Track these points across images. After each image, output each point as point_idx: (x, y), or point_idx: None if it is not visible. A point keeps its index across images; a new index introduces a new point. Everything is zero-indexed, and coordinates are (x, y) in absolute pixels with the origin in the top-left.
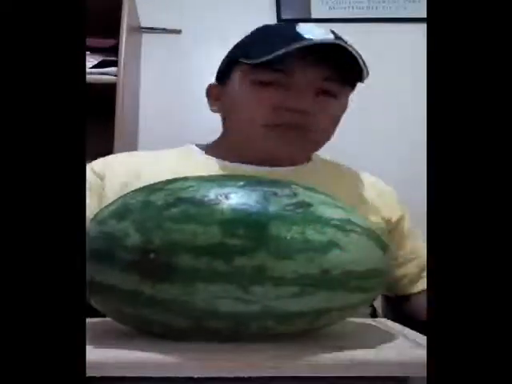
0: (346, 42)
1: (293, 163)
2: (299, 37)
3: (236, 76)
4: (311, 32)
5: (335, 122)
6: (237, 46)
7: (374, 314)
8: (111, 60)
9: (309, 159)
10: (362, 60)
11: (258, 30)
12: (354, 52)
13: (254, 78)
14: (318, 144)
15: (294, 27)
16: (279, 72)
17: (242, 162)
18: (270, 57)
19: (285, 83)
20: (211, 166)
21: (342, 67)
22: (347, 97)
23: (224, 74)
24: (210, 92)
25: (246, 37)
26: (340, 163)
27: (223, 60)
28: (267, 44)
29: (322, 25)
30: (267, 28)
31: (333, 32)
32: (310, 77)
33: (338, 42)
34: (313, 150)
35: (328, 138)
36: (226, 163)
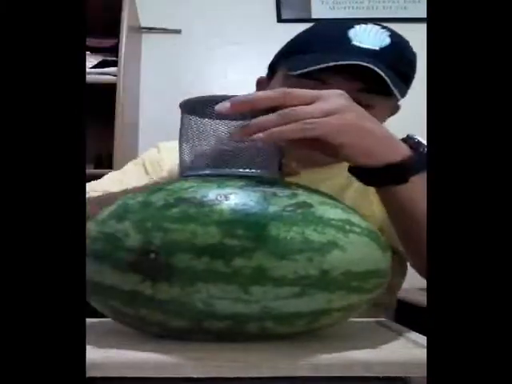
0: (397, 49)
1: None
2: (345, 43)
3: (279, 76)
4: (362, 38)
5: None
6: (289, 44)
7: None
8: (111, 60)
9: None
10: (394, 77)
11: (310, 29)
12: (382, 73)
13: (292, 85)
14: None
15: (347, 30)
16: (317, 81)
17: None
18: (304, 70)
19: None
20: None
21: (376, 80)
22: (388, 105)
23: (272, 69)
24: (258, 85)
25: (299, 35)
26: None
27: (276, 54)
28: (308, 52)
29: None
30: (319, 29)
31: (391, 35)
32: (345, 87)
33: (369, 65)
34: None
35: None
36: None
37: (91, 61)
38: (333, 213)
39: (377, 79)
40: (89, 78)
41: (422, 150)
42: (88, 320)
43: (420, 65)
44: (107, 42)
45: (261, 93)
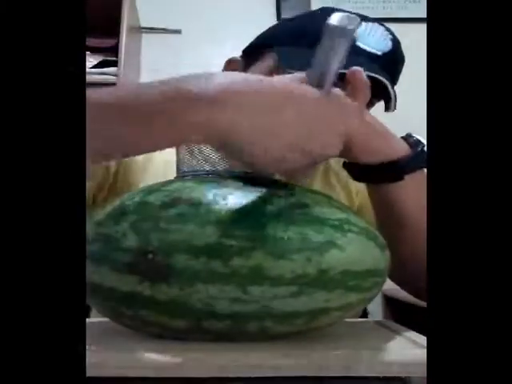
0: (395, 54)
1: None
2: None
3: (268, 62)
4: (367, 40)
5: None
6: (283, 29)
7: (364, 314)
8: (111, 60)
9: None
10: (391, 82)
11: (309, 15)
12: (387, 83)
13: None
14: None
15: None
16: None
17: None
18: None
19: None
20: None
21: (376, 85)
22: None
23: (254, 52)
24: (229, 64)
25: (295, 20)
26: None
27: (259, 35)
28: (304, 45)
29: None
30: (319, 18)
31: (393, 39)
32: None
33: (377, 75)
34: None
35: None
36: None
37: (91, 61)
38: (331, 212)
39: (377, 84)
40: (89, 78)
41: (420, 148)
42: (88, 320)
43: (420, 65)
44: (107, 42)
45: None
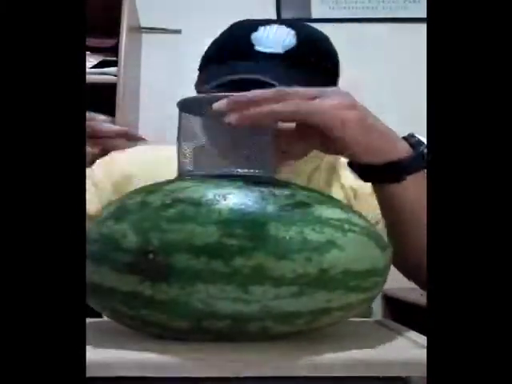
0: (305, 47)
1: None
2: (248, 49)
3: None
4: (265, 42)
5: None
6: (205, 53)
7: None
8: (111, 60)
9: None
10: (310, 73)
11: (222, 34)
12: (268, 80)
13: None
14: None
15: (250, 35)
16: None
17: None
18: (206, 87)
19: None
20: None
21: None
22: None
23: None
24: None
25: (214, 41)
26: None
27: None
28: (218, 62)
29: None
30: (228, 34)
31: (297, 33)
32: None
33: (257, 76)
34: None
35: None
36: None
37: (91, 61)
38: (331, 212)
39: (290, 83)
40: (89, 77)
41: (421, 149)
42: (88, 320)
43: (420, 65)
44: (107, 42)
45: (258, 92)
